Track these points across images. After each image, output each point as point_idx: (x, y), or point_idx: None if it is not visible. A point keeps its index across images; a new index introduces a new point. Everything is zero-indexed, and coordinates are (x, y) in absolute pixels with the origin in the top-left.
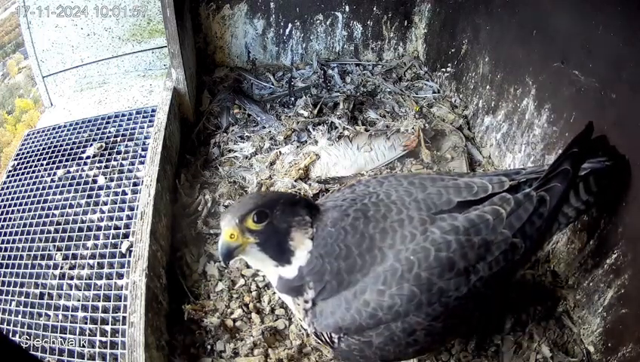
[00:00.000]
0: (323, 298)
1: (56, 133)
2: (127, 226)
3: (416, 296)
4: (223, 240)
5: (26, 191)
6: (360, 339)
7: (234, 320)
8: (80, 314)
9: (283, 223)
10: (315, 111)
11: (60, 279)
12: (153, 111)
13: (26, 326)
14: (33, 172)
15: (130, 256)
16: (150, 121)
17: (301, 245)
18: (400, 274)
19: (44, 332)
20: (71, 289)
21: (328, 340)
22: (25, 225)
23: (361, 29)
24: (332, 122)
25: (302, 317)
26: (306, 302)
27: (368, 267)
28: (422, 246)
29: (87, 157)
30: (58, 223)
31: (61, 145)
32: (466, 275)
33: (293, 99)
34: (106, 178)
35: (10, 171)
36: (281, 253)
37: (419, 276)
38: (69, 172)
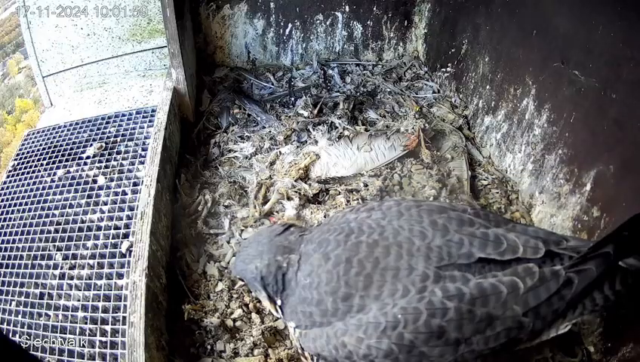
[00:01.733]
0: (302, 329)
1: (56, 133)
2: (127, 226)
3: (394, 353)
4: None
5: (26, 191)
6: None
7: (234, 320)
8: (80, 314)
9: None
10: (315, 112)
11: (60, 279)
12: (153, 111)
13: (26, 326)
14: (33, 172)
15: (130, 256)
16: (150, 121)
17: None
18: (382, 329)
19: (44, 332)
20: (71, 289)
21: (310, 358)
22: (25, 225)
23: (361, 29)
24: (332, 122)
25: (293, 336)
26: (292, 327)
27: (342, 314)
28: (414, 306)
29: (87, 158)
30: (58, 223)
31: (61, 145)
32: (455, 345)
33: (293, 99)
34: (106, 178)
35: (10, 171)
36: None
37: (401, 336)
38: (69, 172)
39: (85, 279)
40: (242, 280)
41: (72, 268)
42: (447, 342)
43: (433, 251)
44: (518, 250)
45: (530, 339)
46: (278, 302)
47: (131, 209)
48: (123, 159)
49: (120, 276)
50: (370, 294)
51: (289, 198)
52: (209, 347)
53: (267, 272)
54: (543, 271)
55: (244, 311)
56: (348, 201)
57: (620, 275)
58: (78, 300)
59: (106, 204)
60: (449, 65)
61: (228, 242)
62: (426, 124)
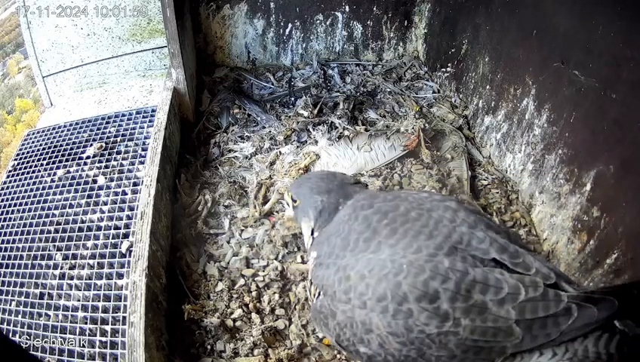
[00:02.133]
0: (320, 259)
1: (56, 133)
2: (127, 226)
3: (387, 299)
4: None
5: (26, 191)
6: (329, 305)
7: (234, 320)
8: (80, 314)
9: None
10: (315, 111)
11: (60, 279)
12: (153, 111)
13: (26, 326)
14: (33, 172)
15: (130, 256)
16: (150, 121)
17: (318, 223)
18: (385, 273)
19: (44, 332)
20: (71, 289)
21: (313, 292)
22: (25, 225)
23: (361, 29)
24: (332, 122)
25: (310, 267)
26: (313, 258)
27: (358, 252)
28: (420, 264)
29: (87, 158)
30: (58, 223)
31: (61, 145)
32: (442, 318)
33: (293, 99)
34: (106, 178)
35: (10, 171)
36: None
37: (399, 285)
38: (69, 172)
39: (85, 279)
40: (294, 201)
41: (72, 268)
42: (437, 310)
43: (455, 233)
44: (530, 269)
45: (510, 356)
46: (315, 234)
47: (131, 209)
48: (123, 159)
49: (120, 276)
50: (388, 242)
51: None
52: (209, 347)
53: (326, 207)
54: (547, 290)
55: (244, 311)
56: None
57: (617, 339)
58: (78, 300)
59: (106, 203)
60: (449, 65)
61: (228, 242)
62: (426, 124)
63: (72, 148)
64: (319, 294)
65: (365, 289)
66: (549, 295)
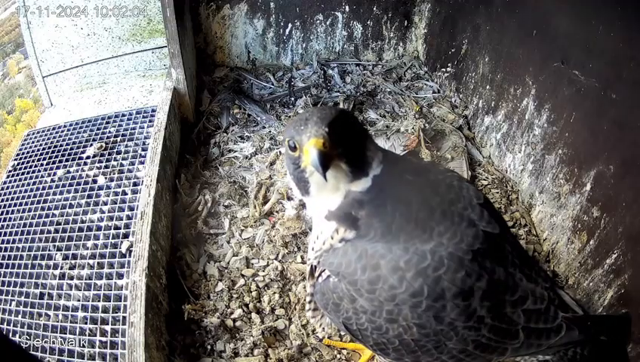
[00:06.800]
0: (359, 238)
1: (56, 133)
2: (127, 226)
3: (422, 295)
4: (317, 150)
5: (26, 191)
6: (349, 290)
7: (234, 320)
8: (80, 314)
9: (360, 131)
10: None
11: (60, 279)
12: (153, 111)
13: (26, 326)
14: (33, 172)
15: (130, 256)
16: (150, 121)
17: (375, 156)
18: (424, 267)
19: (44, 332)
20: (71, 289)
21: (317, 274)
22: (25, 225)
23: (361, 29)
24: None
25: (318, 248)
26: (341, 240)
27: (410, 238)
28: (459, 257)
29: (87, 158)
30: (58, 223)
31: (61, 145)
32: (470, 315)
33: (293, 99)
34: (106, 178)
35: (10, 171)
36: (360, 163)
37: (438, 280)
38: (69, 172)
39: (85, 279)
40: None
41: (72, 268)
42: (467, 307)
43: (485, 217)
44: (531, 269)
45: (508, 356)
46: (357, 187)
47: (131, 209)
48: (123, 159)
49: (120, 276)
50: (439, 228)
51: (289, 198)
52: (209, 347)
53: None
54: (549, 306)
55: (244, 311)
56: None
57: (590, 347)
58: (78, 300)
59: (106, 203)
60: (449, 65)
61: (228, 242)
62: (426, 124)
63: (72, 148)
64: (329, 276)
65: (398, 282)
66: (550, 310)
